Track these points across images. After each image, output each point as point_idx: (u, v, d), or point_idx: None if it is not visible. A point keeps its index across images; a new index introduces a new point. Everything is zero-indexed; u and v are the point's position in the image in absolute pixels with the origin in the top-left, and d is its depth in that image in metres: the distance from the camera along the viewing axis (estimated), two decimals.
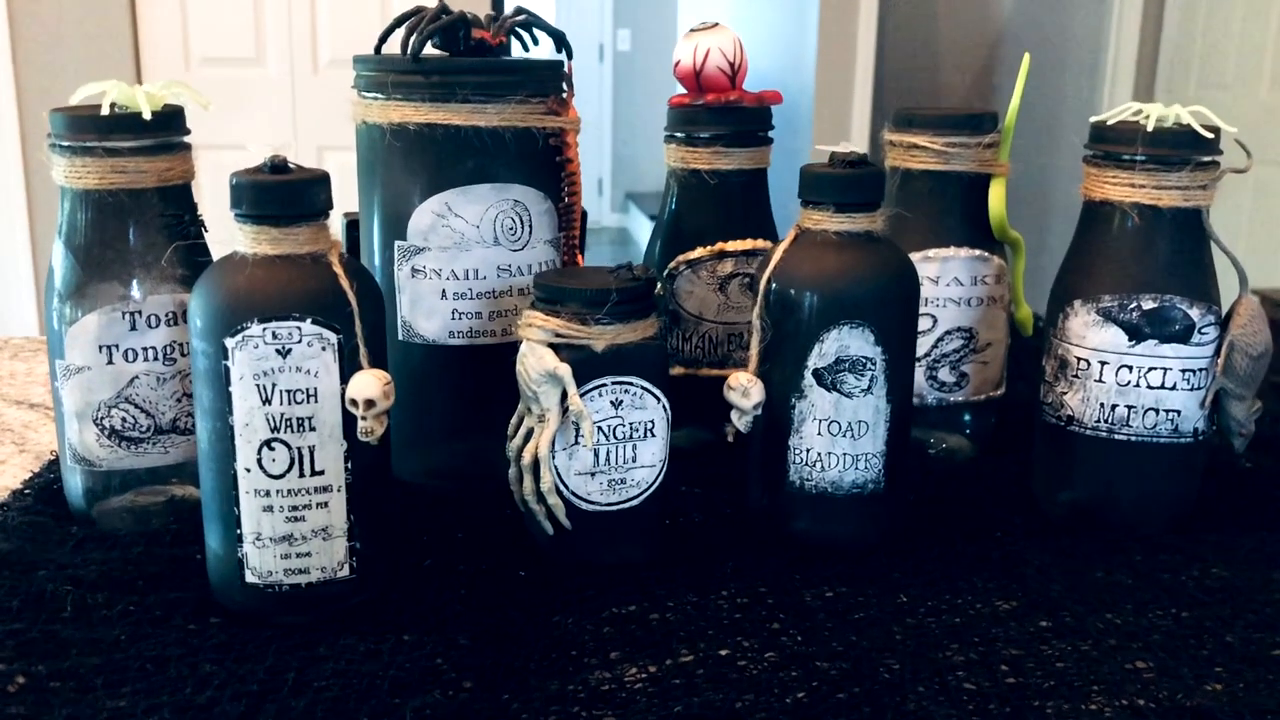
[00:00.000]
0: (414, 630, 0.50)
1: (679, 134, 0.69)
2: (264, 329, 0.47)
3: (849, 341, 0.55)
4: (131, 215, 0.56)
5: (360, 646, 0.49)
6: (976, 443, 0.72)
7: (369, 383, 0.48)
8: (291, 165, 0.49)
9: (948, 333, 0.69)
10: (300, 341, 0.48)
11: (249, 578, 0.50)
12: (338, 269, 0.49)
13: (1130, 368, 0.59)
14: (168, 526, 0.58)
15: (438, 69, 0.59)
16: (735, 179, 0.68)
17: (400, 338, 0.63)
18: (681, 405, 0.69)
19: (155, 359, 0.57)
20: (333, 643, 0.49)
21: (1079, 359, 0.60)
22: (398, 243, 0.62)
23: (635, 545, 0.56)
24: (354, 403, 0.48)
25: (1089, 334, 0.60)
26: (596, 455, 0.54)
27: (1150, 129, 0.58)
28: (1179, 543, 0.60)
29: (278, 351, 0.47)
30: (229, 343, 0.47)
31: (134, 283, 0.57)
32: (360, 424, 0.48)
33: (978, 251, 0.68)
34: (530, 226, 0.63)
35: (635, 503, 0.55)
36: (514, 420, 0.55)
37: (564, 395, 0.52)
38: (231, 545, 0.50)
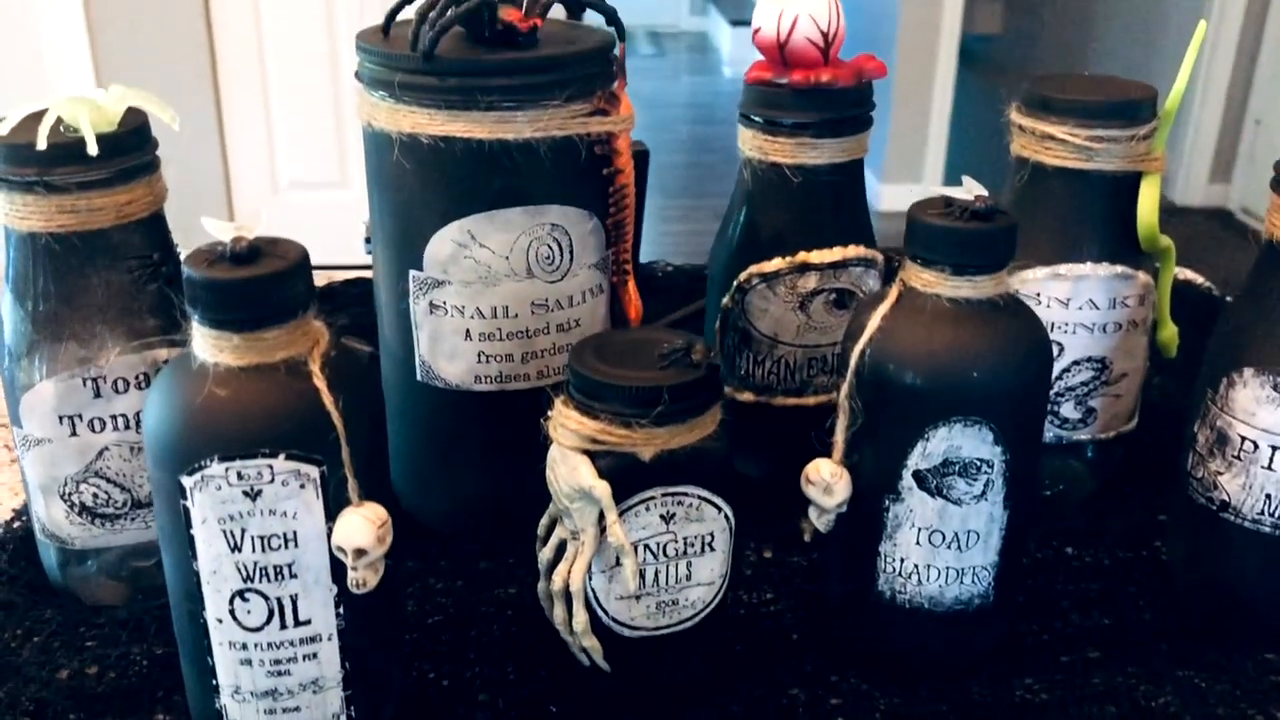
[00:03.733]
0: None
1: (756, 118, 0.56)
2: (226, 469, 0.38)
3: (961, 441, 0.44)
4: (87, 261, 0.47)
5: None
6: (1098, 479, 0.62)
7: (359, 528, 0.39)
8: (260, 245, 0.39)
9: (1076, 363, 0.57)
10: (273, 481, 0.38)
11: None
12: (319, 381, 0.39)
13: None
14: (154, 609, 0.51)
15: (456, 69, 0.47)
16: (824, 175, 0.56)
17: (419, 378, 0.53)
18: (751, 435, 0.60)
19: (126, 427, 0.48)
20: None
21: (1244, 438, 0.49)
22: (413, 272, 0.51)
23: (688, 671, 0.47)
24: (341, 550, 0.39)
25: (1260, 411, 0.48)
26: (643, 576, 0.44)
27: None
28: None
29: (245, 494, 0.38)
30: (186, 481, 0.38)
31: (95, 341, 0.47)
32: (350, 574, 0.39)
33: (1119, 268, 0.56)
34: (571, 253, 0.52)
35: (688, 624, 0.46)
36: (545, 520, 0.46)
37: (602, 514, 0.43)
38: (209, 695, 0.42)
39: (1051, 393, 0.58)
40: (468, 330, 0.51)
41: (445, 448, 0.55)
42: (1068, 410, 0.58)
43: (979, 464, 0.45)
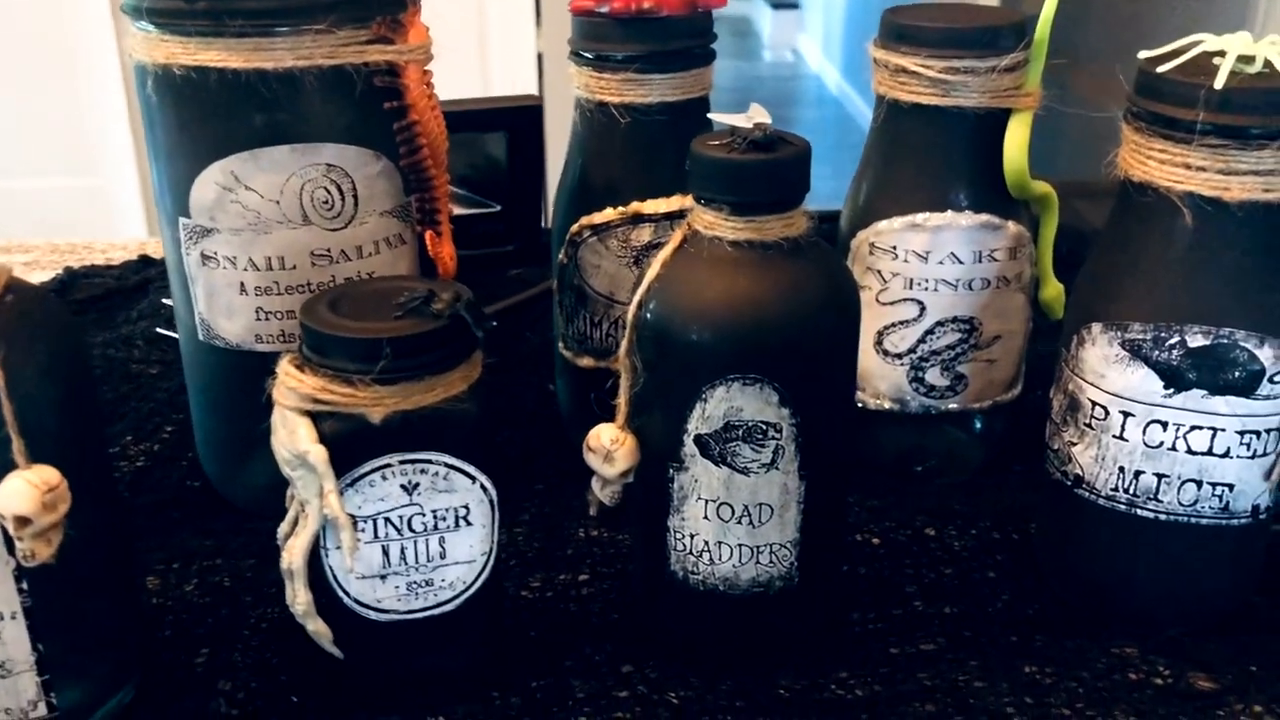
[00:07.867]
0: None
1: (585, 53, 0.51)
2: None
3: (741, 403, 0.39)
4: None
5: None
6: (983, 450, 0.56)
7: (20, 492, 0.34)
8: None
9: (939, 324, 0.52)
10: None
11: None
12: None
13: (1164, 424, 0.42)
14: None
15: None
16: (656, 115, 0.51)
17: (200, 338, 0.49)
18: (594, 401, 0.55)
19: None
20: None
21: (1094, 403, 0.43)
22: (182, 220, 0.47)
23: (452, 658, 0.43)
24: (2, 518, 0.35)
25: (1109, 373, 0.42)
26: (386, 554, 0.40)
27: (1220, 83, 0.38)
28: (1221, 654, 0.43)
29: None
30: None
31: None
32: (17, 545, 0.35)
33: (984, 217, 0.50)
34: (355, 197, 0.47)
35: (449, 607, 0.41)
36: (289, 491, 0.41)
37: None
38: None
39: (913, 357, 0.52)
40: (242, 284, 0.47)
41: (234, 415, 0.51)
42: (933, 377, 0.53)
43: (764, 428, 0.39)
